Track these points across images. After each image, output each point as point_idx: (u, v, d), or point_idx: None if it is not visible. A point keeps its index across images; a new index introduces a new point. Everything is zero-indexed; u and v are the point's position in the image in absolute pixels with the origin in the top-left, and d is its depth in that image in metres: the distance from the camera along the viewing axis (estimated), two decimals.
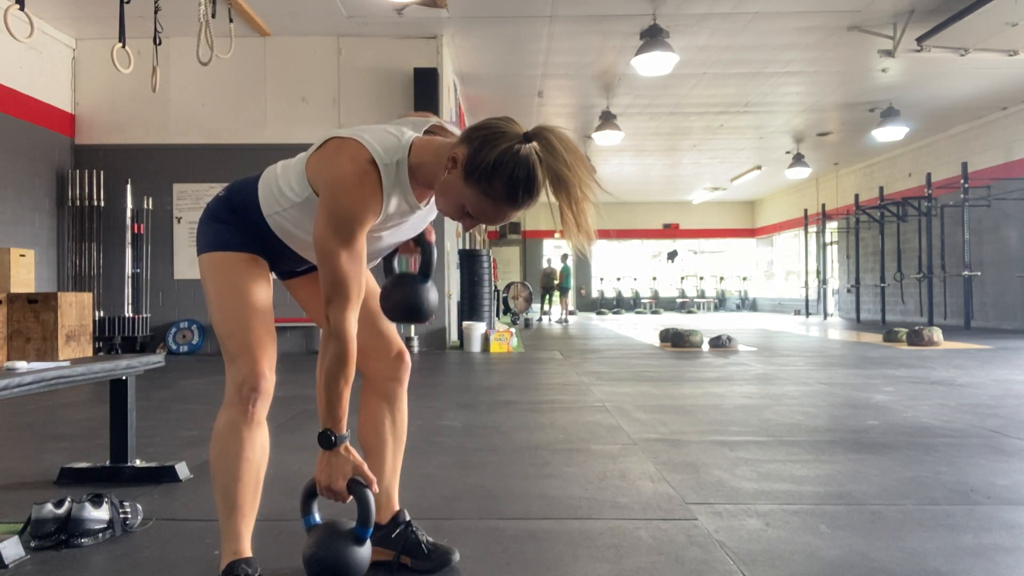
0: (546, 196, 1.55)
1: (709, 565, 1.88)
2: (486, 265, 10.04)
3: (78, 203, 8.33)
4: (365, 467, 1.60)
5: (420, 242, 1.87)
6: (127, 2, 5.53)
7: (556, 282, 18.19)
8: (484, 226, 16.81)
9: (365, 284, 1.66)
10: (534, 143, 1.51)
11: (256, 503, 1.71)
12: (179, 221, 8.62)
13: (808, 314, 18.41)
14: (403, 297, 1.80)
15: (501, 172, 1.49)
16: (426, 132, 1.73)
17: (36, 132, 7.94)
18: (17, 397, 2.32)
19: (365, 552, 1.61)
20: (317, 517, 1.65)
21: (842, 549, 1.98)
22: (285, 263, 1.84)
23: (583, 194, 1.49)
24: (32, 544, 2.03)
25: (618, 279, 24.58)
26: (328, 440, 1.57)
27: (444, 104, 8.54)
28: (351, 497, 1.59)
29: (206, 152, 8.56)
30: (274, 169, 1.78)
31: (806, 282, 18.74)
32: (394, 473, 1.94)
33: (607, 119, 11.35)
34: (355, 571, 1.60)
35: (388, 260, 1.91)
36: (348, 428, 1.60)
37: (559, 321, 17.24)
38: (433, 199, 1.69)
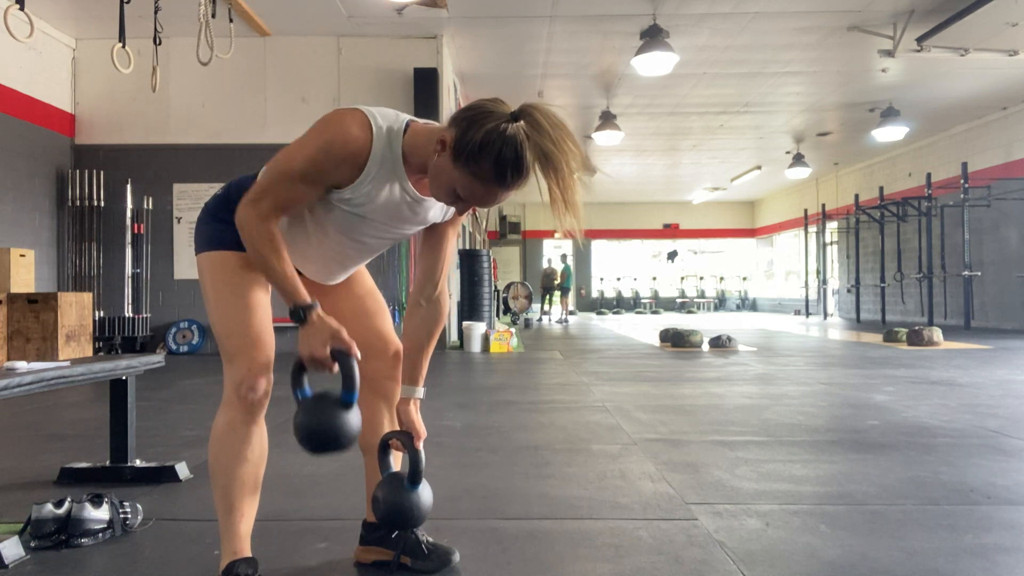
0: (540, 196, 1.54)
1: (709, 565, 1.88)
2: (486, 265, 10.04)
3: (78, 203, 8.33)
4: (343, 333, 1.57)
5: (408, 447, 1.77)
6: (127, 2, 5.53)
7: (556, 282, 18.19)
8: (484, 225, 16.81)
9: (279, 214, 1.62)
10: (521, 122, 1.49)
11: (255, 503, 1.71)
12: (179, 221, 8.62)
13: (808, 314, 18.41)
14: (393, 502, 1.74)
15: (488, 152, 1.47)
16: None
17: (36, 132, 7.94)
18: (17, 397, 2.32)
19: (353, 417, 1.59)
20: (308, 390, 1.63)
21: (842, 549, 1.98)
22: None
23: (569, 169, 1.48)
24: (32, 544, 2.02)
25: (618, 279, 24.57)
26: (298, 315, 1.57)
27: (444, 104, 8.54)
28: (336, 366, 1.58)
29: (206, 152, 8.57)
30: None
31: (806, 282, 18.74)
32: None
33: (607, 119, 11.35)
34: (341, 434, 1.58)
35: (383, 455, 1.81)
36: (315, 299, 1.60)
37: (559, 321, 17.23)
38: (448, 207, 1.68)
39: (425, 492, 1.78)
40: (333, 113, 1.61)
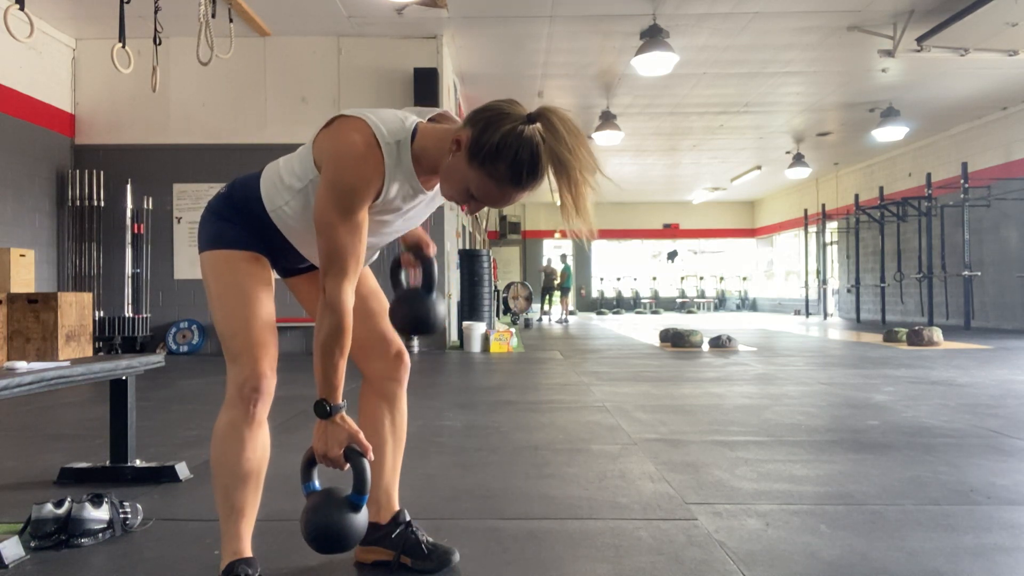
0: (549, 193, 1.55)
1: (709, 565, 1.88)
2: (486, 265, 10.04)
3: (78, 203, 8.33)
4: (361, 436, 1.60)
5: (420, 257, 1.90)
6: (127, 2, 5.53)
7: (557, 282, 18.18)
8: (484, 225, 16.80)
9: (362, 265, 1.65)
10: (537, 124, 1.50)
11: (256, 503, 1.71)
12: (179, 221, 8.62)
13: (808, 314, 18.41)
14: (410, 310, 1.86)
15: (505, 154, 1.48)
16: (431, 120, 1.71)
17: (36, 132, 7.94)
18: (17, 397, 2.32)
19: (360, 519, 1.60)
20: (317, 484, 1.65)
21: (842, 549, 1.98)
22: (286, 260, 1.84)
23: (583, 177, 1.49)
24: (32, 544, 2.03)
25: (618, 279, 24.57)
26: (324, 410, 1.58)
27: (444, 104, 8.54)
28: (348, 465, 1.60)
29: (206, 152, 8.57)
30: (276, 163, 1.77)
31: (806, 282, 18.74)
32: (394, 473, 1.93)
33: (607, 119, 11.35)
34: (348, 536, 1.59)
35: (395, 275, 1.94)
36: (345, 399, 1.61)
37: (559, 321, 17.23)
38: (438, 186, 1.68)
39: (440, 304, 1.89)
40: (341, 141, 1.57)
